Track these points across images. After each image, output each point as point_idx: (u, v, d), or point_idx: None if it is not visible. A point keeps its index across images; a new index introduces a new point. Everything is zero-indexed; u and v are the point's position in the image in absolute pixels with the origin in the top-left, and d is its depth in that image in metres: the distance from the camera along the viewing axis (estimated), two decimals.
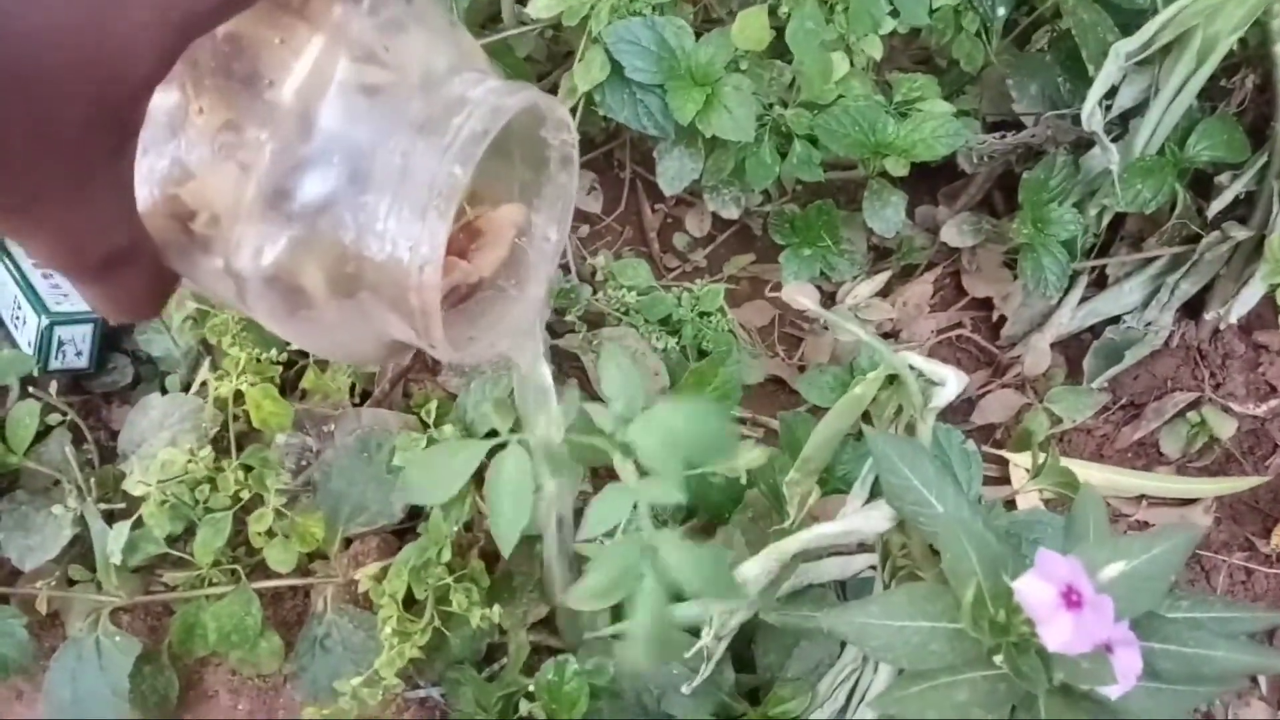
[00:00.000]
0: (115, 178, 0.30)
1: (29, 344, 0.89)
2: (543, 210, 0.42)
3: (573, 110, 1.04)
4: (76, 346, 0.90)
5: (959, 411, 1.07)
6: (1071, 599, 0.46)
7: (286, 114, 0.32)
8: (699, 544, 0.46)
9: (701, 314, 1.05)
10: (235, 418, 0.77)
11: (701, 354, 1.03)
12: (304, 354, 0.87)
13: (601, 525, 0.46)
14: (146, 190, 0.33)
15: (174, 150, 0.33)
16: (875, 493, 0.67)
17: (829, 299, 1.15)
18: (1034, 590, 0.46)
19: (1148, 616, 0.52)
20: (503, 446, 0.46)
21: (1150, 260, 1.07)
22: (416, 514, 0.81)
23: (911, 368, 0.62)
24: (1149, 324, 1.06)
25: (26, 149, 0.27)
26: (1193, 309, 1.07)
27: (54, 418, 0.82)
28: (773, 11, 1.00)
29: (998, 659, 0.52)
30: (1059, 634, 0.46)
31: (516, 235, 0.41)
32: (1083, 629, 0.45)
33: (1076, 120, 1.00)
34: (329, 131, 0.33)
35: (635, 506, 0.47)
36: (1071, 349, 1.10)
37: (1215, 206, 1.02)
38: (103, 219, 0.31)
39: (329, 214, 0.33)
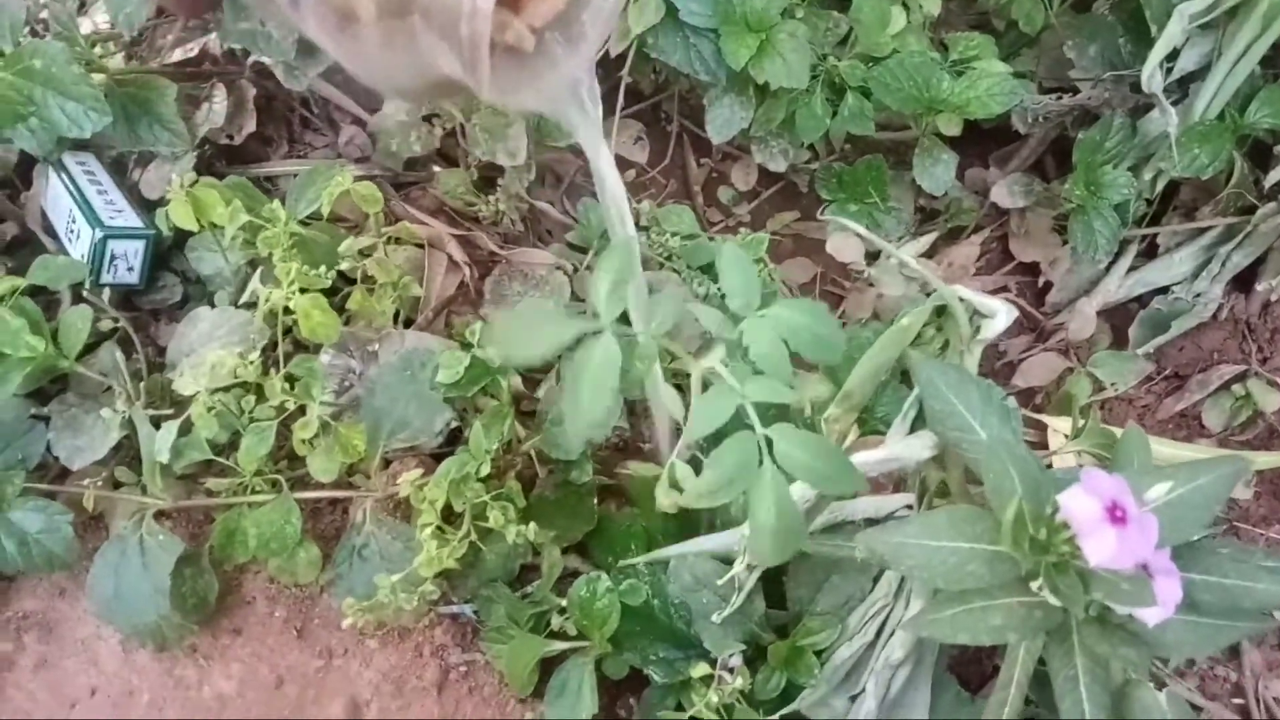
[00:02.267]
0: None
1: (82, 257, 0.90)
2: None
3: (623, 54, 1.04)
4: (128, 262, 0.91)
5: (1000, 374, 1.06)
6: (1116, 514, 0.45)
7: None
8: (815, 434, 0.46)
9: None
10: (284, 332, 0.78)
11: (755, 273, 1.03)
12: (351, 280, 0.88)
13: (709, 423, 0.46)
14: None
15: None
16: (916, 429, 0.67)
17: (873, 259, 1.14)
18: (1079, 504, 0.46)
19: (1189, 548, 0.52)
20: (598, 334, 0.46)
21: (1203, 230, 1.05)
22: (455, 439, 0.82)
23: (961, 300, 0.62)
24: (1198, 295, 1.04)
25: None
26: (1243, 281, 1.06)
27: (105, 325, 0.84)
28: None
29: (1035, 584, 0.52)
30: (1102, 549, 0.45)
31: None
32: (1126, 545, 0.45)
33: (1135, 85, 0.99)
34: None
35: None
36: (1117, 318, 1.08)
37: (1273, 177, 1.00)
38: None
39: None
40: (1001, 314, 0.60)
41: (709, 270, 1.04)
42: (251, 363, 0.71)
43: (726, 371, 0.49)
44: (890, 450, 0.61)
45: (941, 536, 0.53)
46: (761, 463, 0.45)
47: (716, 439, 0.51)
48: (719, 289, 1.02)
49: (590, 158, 0.54)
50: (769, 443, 0.45)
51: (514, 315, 0.56)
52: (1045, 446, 1.01)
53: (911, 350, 0.61)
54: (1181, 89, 1.01)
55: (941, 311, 0.64)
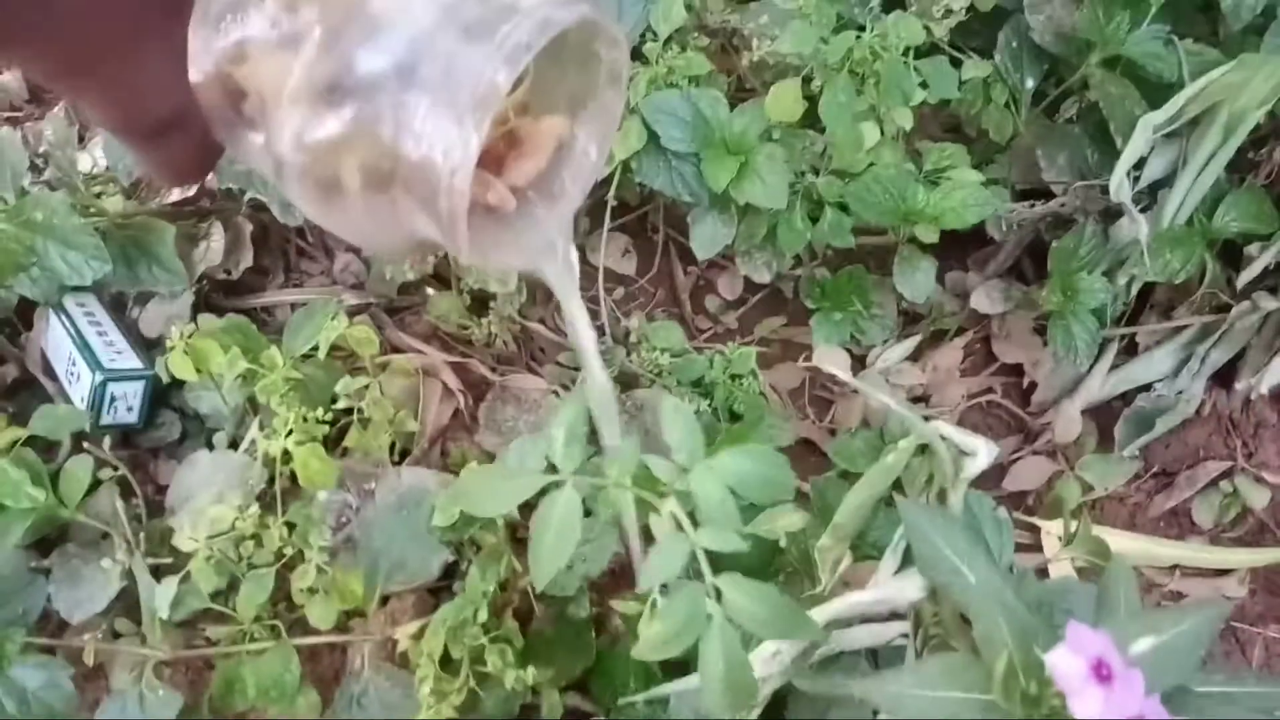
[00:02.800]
0: (170, 43, 0.33)
1: (82, 399, 0.92)
2: (586, 125, 0.42)
3: (609, 178, 1.07)
4: (128, 402, 0.93)
5: (990, 478, 1.08)
6: (1102, 673, 0.46)
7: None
8: (763, 583, 0.47)
9: (733, 376, 1.07)
10: (280, 474, 0.79)
11: (733, 416, 1.05)
12: (348, 412, 0.89)
13: (660, 575, 0.48)
14: (203, 64, 0.34)
15: (232, 28, 0.34)
16: (907, 559, 0.68)
17: (859, 362, 1.16)
18: (1065, 663, 0.47)
19: (1179, 691, 0.53)
20: (559, 485, 0.47)
21: (1180, 329, 1.07)
22: (452, 572, 0.83)
23: (943, 438, 0.63)
24: (1180, 392, 1.06)
25: (88, 8, 0.30)
26: (1224, 378, 1.08)
27: (105, 472, 0.85)
28: (805, 83, 1.03)
29: None
30: (1089, 708, 0.46)
31: (556, 148, 0.42)
32: (1113, 703, 0.46)
33: (1106, 190, 1.02)
34: (379, 20, 0.33)
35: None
36: (1102, 416, 1.10)
37: (1245, 277, 1.03)
38: (157, 83, 0.33)
39: (370, 107, 0.33)
40: (982, 453, 0.61)
41: (698, 385, 1.06)
42: (250, 515, 0.72)
43: (684, 516, 0.51)
44: (881, 592, 0.62)
45: (936, 686, 0.53)
46: (711, 614, 0.46)
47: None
48: (709, 405, 1.04)
49: (564, 310, 0.55)
50: (718, 593, 0.46)
51: (480, 472, 0.57)
52: (1040, 549, 1.02)
53: (899, 496, 0.62)
54: (1150, 195, 1.04)
55: (926, 446, 0.66)
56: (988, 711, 0.53)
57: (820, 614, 0.63)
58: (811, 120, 1.08)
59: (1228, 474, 1.03)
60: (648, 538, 0.79)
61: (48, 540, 0.83)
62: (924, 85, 1.06)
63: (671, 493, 0.57)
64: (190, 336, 0.81)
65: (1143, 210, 1.01)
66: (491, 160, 0.41)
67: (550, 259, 0.48)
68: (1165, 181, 1.03)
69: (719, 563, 0.56)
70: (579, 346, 0.56)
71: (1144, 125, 0.98)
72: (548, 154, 0.42)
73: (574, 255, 0.51)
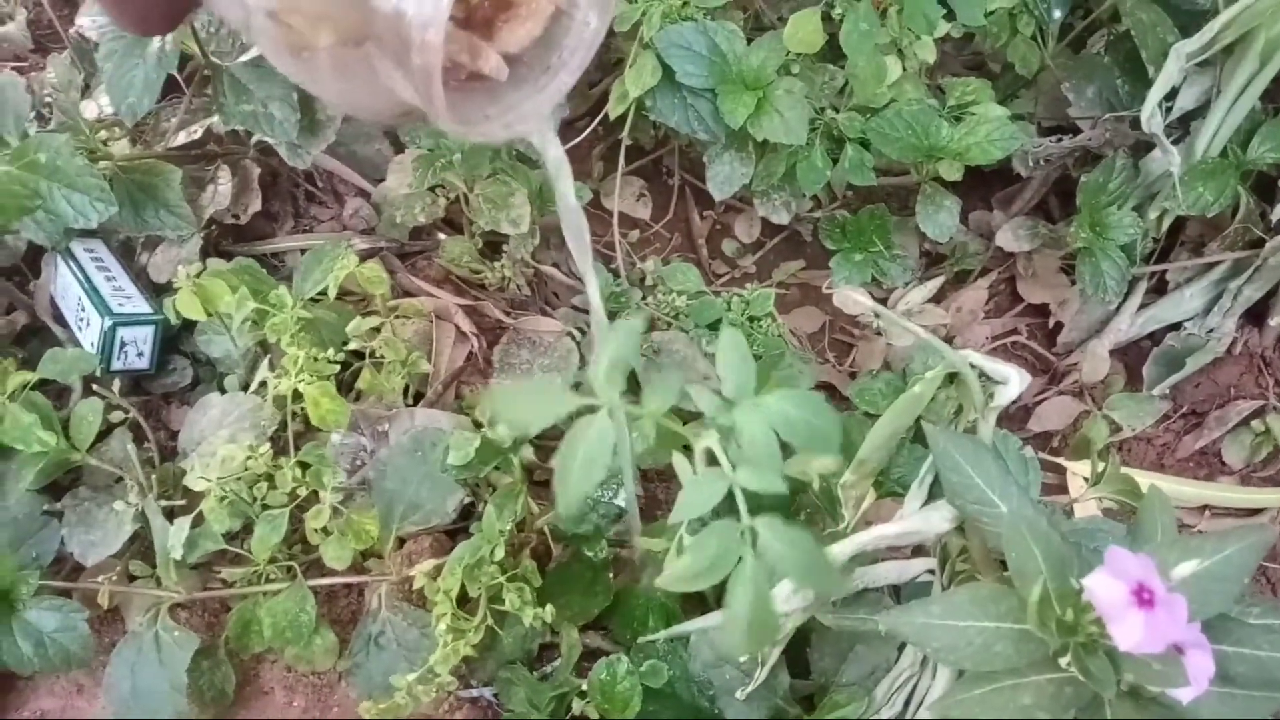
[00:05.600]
0: None
1: (92, 345, 0.91)
2: None
3: (623, 116, 1.04)
4: (138, 348, 0.91)
5: (1015, 419, 1.05)
6: (1143, 597, 0.44)
7: None
8: (800, 528, 0.45)
9: (751, 319, 1.04)
10: (293, 415, 0.78)
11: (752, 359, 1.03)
12: (360, 355, 0.87)
13: (695, 509, 0.46)
14: None
15: None
16: (934, 494, 0.66)
17: (881, 305, 1.14)
18: (1105, 588, 0.45)
19: (1220, 619, 0.51)
20: (593, 410, 0.45)
21: (1212, 265, 1.04)
22: (468, 514, 0.82)
23: (972, 366, 0.61)
24: (1211, 330, 1.03)
25: None
26: (1256, 315, 1.05)
27: (116, 416, 0.84)
28: (826, 16, 0.99)
29: (1064, 660, 0.51)
30: (1131, 633, 0.44)
31: (555, 14, 0.39)
32: (1155, 628, 0.44)
33: (1135, 123, 0.99)
34: None
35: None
36: (1131, 356, 1.08)
37: (1279, 211, 1.00)
38: None
39: None
40: (1014, 380, 0.59)
41: (715, 328, 1.04)
42: (261, 454, 0.71)
43: (721, 453, 0.49)
44: (908, 524, 0.60)
45: (965, 616, 0.52)
46: (743, 553, 0.45)
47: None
48: None
49: (552, 178, 0.52)
50: (753, 533, 0.45)
51: (513, 389, 0.55)
52: (1065, 491, 1.00)
53: (926, 423, 0.60)
54: (1182, 126, 1.01)
55: (954, 375, 0.64)
56: (1020, 640, 0.51)
57: (845, 548, 0.62)
58: (832, 55, 1.04)
59: (1259, 413, 1.01)
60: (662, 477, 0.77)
61: (60, 485, 0.82)
62: (949, 16, 1.03)
63: (713, 426, 0.55)
64: (198, 276, 0.79)
65: (1174, 142, 0.98)
66: (482, 24, 0.38)
67: (537, 132, 0.45)
68: (1198, 112, 1.00)
69: (753, 503, 0.54)
70: (568, 223, 0.53)
71: (1176, 53, 0.95)
72: (543, 19, 0.39)
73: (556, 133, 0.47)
